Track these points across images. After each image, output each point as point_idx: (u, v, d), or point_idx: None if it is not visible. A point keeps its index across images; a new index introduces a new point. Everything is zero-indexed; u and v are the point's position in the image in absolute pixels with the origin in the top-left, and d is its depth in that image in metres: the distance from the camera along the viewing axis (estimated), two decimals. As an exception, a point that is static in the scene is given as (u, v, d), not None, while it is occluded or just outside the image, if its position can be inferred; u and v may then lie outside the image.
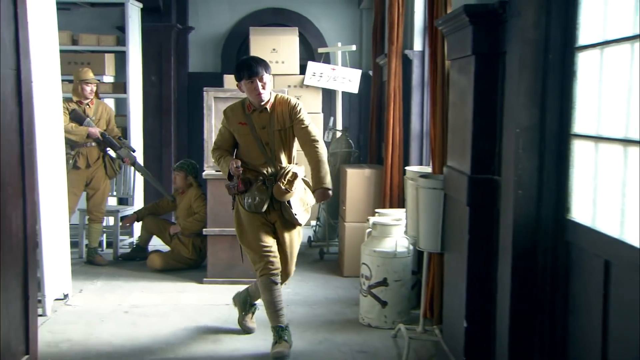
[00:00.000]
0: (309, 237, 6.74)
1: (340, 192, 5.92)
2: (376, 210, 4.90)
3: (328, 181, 3.74)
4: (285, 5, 8.20)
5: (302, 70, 7.43)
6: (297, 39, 7.55)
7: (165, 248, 6.12)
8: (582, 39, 2.57)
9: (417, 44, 5.32)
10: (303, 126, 3.79)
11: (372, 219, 4.55)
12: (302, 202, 3.86)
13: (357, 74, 7.11)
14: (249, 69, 3.67)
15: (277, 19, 8.12)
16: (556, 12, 2.67)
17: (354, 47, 7.13)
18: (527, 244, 2.79)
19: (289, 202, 3.77)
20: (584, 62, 2.57)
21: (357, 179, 5.61)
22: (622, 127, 2.27)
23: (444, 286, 3.71)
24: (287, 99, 3.85)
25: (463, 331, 3.18)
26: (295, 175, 3.75)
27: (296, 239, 4.01)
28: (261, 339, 4.09)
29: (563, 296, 2.68)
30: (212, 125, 5.29)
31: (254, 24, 7.85)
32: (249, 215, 3.82)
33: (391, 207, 5.26)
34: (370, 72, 7.18)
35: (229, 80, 7.33)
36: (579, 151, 2.61)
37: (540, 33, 2.71)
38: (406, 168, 4.92)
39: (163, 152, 7.82)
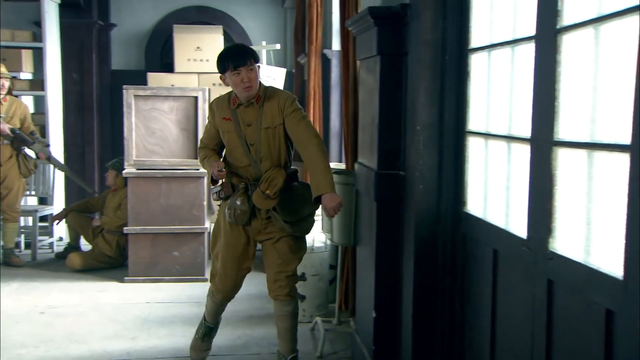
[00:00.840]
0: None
1: (263, 189, 5.97)
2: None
3: (332, 185, 3.10)
4: (209, 3, 8.18)
5: (227, 68, 7.44)
6: (222, 37, 7.54)
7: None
8: (474, 41, 2.73)
9: (336, 44, 5.44)
10: (296, 122, 3.23)
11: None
12: (296, 207, 3.33)
13: (281, 72, 7.16)
14: (234, 58, 3.18)
15: (202, 17, 8.10)
16: (451, 16, 2.82)
17: (278, 46, 7.19)
18: (428, 237, 2.94)
19: (275, 208, 3.27)
20: (475, 63, 2.73)
21: (279, 176, 5.66)
22: (506, 124, 2.43)
23: (356, 279, 3.84)
24: (278, 91, 3.37)
25: (372, 321, 3.30)
26: (279, 179, 3.25)
27: (293, 248, 3.39)
28: (180, 336, 4.11)
29: (460, 285, 2.84)
30: (132, 124, 5.26)
31: (178, 21, 7.79)
32: (228, 227, 3.39)
33: (312, 203, 5.35)
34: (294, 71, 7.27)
35: (153, 78, 7.28)
36: (473, 147, 2.77)
37: (437, 35, 2.85)
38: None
39: (86, 151, 7.69)
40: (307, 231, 3.44)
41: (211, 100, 3.46)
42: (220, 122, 3.36)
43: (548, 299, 2.07)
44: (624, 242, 1.32)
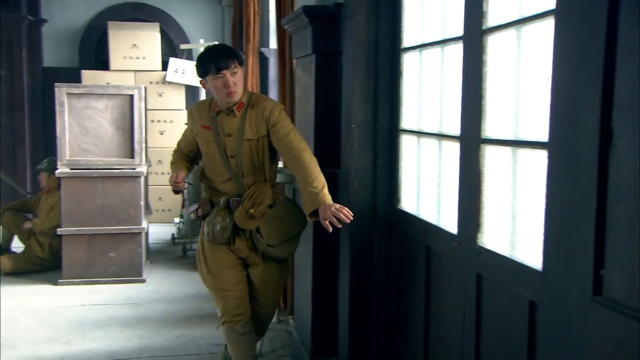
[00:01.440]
0: (172, 235, 6.69)
1: (201, 188, 5.92)
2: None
3: (326, 195, 2.70)
4: (145, 0, 8.04)
5: (164, 66, 7.34)
6: (159, 34, 7.44)
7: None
8: (406, 41, 2.77)
9: (273, 42, 5.44)
10: (284, 134, 2.88)
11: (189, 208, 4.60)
12: (281, 228, 3.02)
13: (220, 70, 7.13)
14: (217, 60, 2.87)
15: (138, 14, 7.96)
16: (384, 16, 2.86)
17: (216, 44, 7.13)
18: (364, 234, 2.97)
19: (258, 229, 2.98)
20: (408, 62, 2.78)
21: (217, 175, 5.62)
22: (437, 122, 2.49)
23: (294, 277, 3.85)
24: (263, 99, 3.02)
25: (310, 318, 3.32)
26: (266, 196, 2.96)
27: (274, 275, 3.12)
28: (117, 338, 4.04)
29: (395, 281, 2.88)
30: (66, 122, 5.12)
31: (113, 18, 7.64)
32: (211, 245, 3.05)
33: (251, 202, 5.34)
34: (233, 69, 7.24)
35: (88, 75, 7.11)
36: (406, 145, 2.82)
37: (371, 34, 2.89)
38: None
39: (17, 150, 7.46)
40: (291, 254, 3.14)
41: (191, 105, 3.15)
42: (199, 130, 3.03)
43: (477, 292, 2.13)
44: (543, 235, 1.38)
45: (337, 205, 2.61)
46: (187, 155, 3.20)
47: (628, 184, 1.05)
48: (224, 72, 2.87)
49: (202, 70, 2.92)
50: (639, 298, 1.01)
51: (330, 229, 2.62)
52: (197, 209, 3.08)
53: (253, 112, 2.96)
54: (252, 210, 2.91)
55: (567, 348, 1.27)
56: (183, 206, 3.12)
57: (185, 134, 3.21)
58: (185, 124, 3.23)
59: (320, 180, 2.73)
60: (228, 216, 2.96)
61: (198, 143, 3.08)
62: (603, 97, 1.10)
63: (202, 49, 7.10)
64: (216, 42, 3.33)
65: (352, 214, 2.60)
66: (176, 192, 3.07)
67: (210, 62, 2.88)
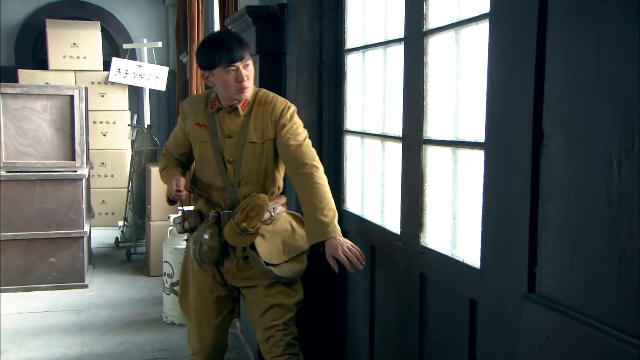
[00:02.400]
0: (116, 238, 6.55)
1: (145, 190, 5.83)
2: (179, 207, 4.89)
3: (337, 227, 2.39)
4: (85, -2, 7.86)
5: (107, 66, 7.18)
6: (100, 33, 7.28)
7: None
8: (349, 42, 2.79)
9: (218, 43, 5.39)
10: (294, 143, 2.48)
11: (172, 217, 4.54)
12: (283, 245, 2.57)
13: (164, 71, 7.02)
14: (229, 50, 2.44)
15: (77, 12, 7.75)
16: (327, 17, 2.87)
17: (159, 44, 7.03)
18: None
19: (253, 246, 2.50)
20: (351, 63, 2.80)
21: (162, 177, 5.54)
22: (380, 123, 2.51)
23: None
24: (273, 96, 2.59)
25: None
26: (262, 209, 2.51)
27: (282, 293, 2.56)
28: (57, 346, 3.92)
29: (341, 281, 2.89)
30: (1, 124, 4.94)
31: (51, 16, 7.42)
32: (196, 267, 2.63)
33: (196, 204, 5.28)
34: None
35: (25, 75, 6.90)
36: (350, 146, 2.84)
37: (314, 35, 2.90)
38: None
39: (-50, 153, 7.15)
40: (298, 275, 2.59)
41: (183, 100, 2.76)
42: (192, 129, 2.61)
43: (420, 292, 2.16)
44: (480, 234, 1.40)
45: (349, 244, 2.36)
46: (178, 159, 2.73)
47: (557, 182, 1.07)
48: (237, 64, 2.45)
49: (208, 62, 2.47)
50: (567, 294, 1.04)
51: (337, 269, 2.35)
52: (182, 222, 2.63)
53: (260, 111, 2.55)
54: (244, 225, 2.45)
55: (503, 343, 1.30)
56: (184, 219, 2.63)
57: (174, 135, 2.74)
58: (176, 122, 2.78)
59: (331, 208, 2.39)
60: (217, 234, 2.52)
61: (190, 143, 2.66)
62: (535, 99, 1.13)
63: (145, 49, 7.03)
64: (220, 31, 2.87)
65: (364, 258, 2.37)
66: (173, 202, 2.65)
67: (222, 53, 2.44)
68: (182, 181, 2.54)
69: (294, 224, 2.62)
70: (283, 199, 2.64)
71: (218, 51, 2.44)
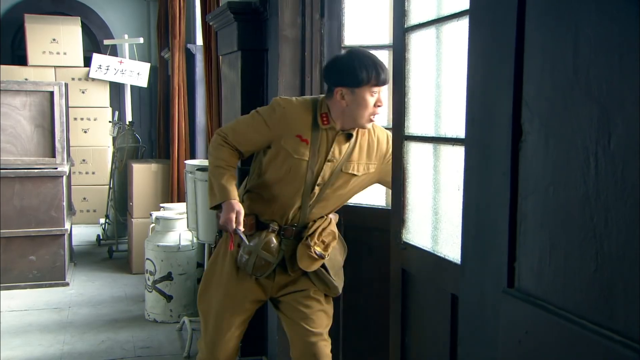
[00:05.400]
0: (98, 236, 6.50)
1: (127, 188, 5.79)
2: (161, 205, 4.87)
3: None
4: (65, -7, 7.77)
5: (87, 62, 7.12)
6: (80, 29, 7.21)
7: None
8: (347, 40, 2.80)
9: (200, 39, 5.36)
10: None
11: (154, 214, 4.52)
12: (334, 263, 2.49)
13: (145, 67, 6.97)
14: (381, 72, 2.30)
15: (57, 7, 7.66)
16: (310, 13, 2.86)
17: (141, 40, 6.98)
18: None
19: (324, 265, 2.42)
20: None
21: (143, 174, 5.51)
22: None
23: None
24: (375, 126, 2.45)
25: (239, 317, 3.29)
26: (334, 236, 2.44)
27: (323, 309, 2.48)
28: (37, 345, 3.89)
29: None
30: (-21, 120, 4.89)
31: (30, 11, 7.33)
32: (232, 274, 2.45)
33: (179, 201, 5.25)
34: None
35: (4, 71, 6.81)
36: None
37: (296, 32, 2.89)
38: (186, 162, 4.96)
39: None
40: (341, 287, 2.54)
41: (281, 98, 2.44)
42: (291, 139, 2.35)
43: (402, 287, 2.16)
44: (461, 229, 1.41)
45: None
46: (237, 158, 2.43)
47: (535, 178, 1.08)
48: (382, 87, 2.32)
49: (355, 78, 2.28)
50: (545, 289, 1.05)
51: None
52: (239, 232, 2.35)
53: (365, 141, 2.41)
54: (318, 249, 2.37)
55: (483, 338, 1.31)
56: (238, 246, 2.38)
57: (249, 129, 2.38)
58: (256, 113, 2.40)
59: None
60: (278, 249, 2.38)
61: (272, 154, 2.36)
62: (514, 95, 1.13)
63: (126, 45, 6.97)
64: (356, 48, 2.50)
65: None
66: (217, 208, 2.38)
67: (373, 72, 2.29)
68: (242, 215, 2.29)
69: (339, 242, 2.54)
70: (337, 217, 2.55)
71: (370, 69, 2.29)
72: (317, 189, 2.37)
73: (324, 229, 2.39)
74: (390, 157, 2.25)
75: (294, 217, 2.40)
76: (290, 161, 2.34)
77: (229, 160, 2.36)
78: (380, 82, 2.30)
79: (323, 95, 2.45)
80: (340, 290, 2.48)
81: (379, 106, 2.32)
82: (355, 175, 2.40)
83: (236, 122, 2.46)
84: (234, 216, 2.26)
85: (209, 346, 2.50)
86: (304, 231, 2.39)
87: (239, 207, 2.28)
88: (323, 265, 2.40)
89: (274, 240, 2.36)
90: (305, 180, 2.35)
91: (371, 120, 2.35)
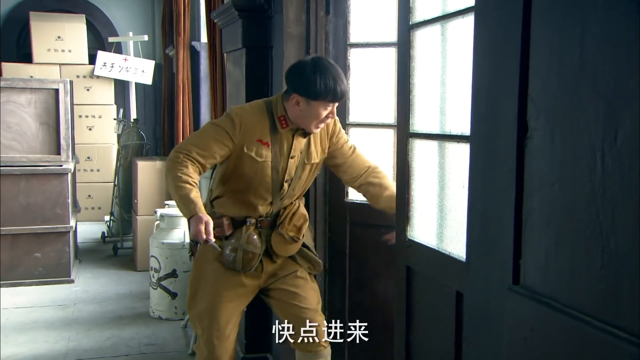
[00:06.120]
0: (103, 233, 6.51)
1: (132, 185, 5.80)
2: (165, 202, 4.88)
3: None
4: (70, -9, 7.78)
5: (92, 60, 7.13)
6: (85, 26, 7.22)
7: None
8: (353, 37, 2.80)
9: (204, 36, 5.35)
10: (349, 148, 2.58)
11: (159, 211, 4.53)
12: (310, 241, 2.68)
13: (150, 64, 6.98)
14: (340, 91, 2.36)
15: (62, 5, 7.68)
16: (314, 11, 2.86)
17: (145, 37, 6.98)
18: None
19: (305, 244, 2.59)
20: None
21: (148, 171, 5.52)
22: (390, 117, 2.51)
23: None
24: None
25: (243, 315, 3.29)
26: (305, 217, 2.59)
27: (312, 287, 2.61)
28: (43, 342, 3.90)
29: (329, 275, 2.90)
30: (-15, 118, 4.90)
31: (35, 9, 7.34)
32: (218, 272, 2.50)
33: (183, 198, 5.26)
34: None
35: (9, 68, 6.84)
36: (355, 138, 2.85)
37: (301, 29, 2.89)
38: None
39: None
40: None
41: (235, 108, 2.51)
42: (251, 145, 2.43)
43: (407, 284, 2.16)
44: (466, 226, 1.41)
45: None
46: (198, 174, 2.43)
47: (541, 175, 1.08)
48: (336, 103, 2.41)
49: (313, 91, 2.34)
50: (551, 286, 1.04)
51: None
52: (222, 227, 2.47)
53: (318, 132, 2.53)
54: (292, 234, 2.51)
55: (489, 335, 1.31)
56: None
57: (210, 142, 2.41)
58: (215, 125, 2.46)
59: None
60: (260, 241, 2.49)
61: (235, 160, 2.45)
62: (520, 92, 1.13)
63: (131, 43, 6.98)
64: (318, 56, 2.53)
65: None
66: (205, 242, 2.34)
67: (331, 88, 2.34)
68: (211, 225, 2.31)
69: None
70: (303, 200, 2.68)
71: (331, 85, 2.33)
72: (285, 185, 2.49)
73: (294, 214, 2.53)
74: (339, 137, 2.55)
75: (267, 211, 2.52)
76: (256, 165, 2.44)
77: (194, 176, 2.38)
78: (337, 99, 2.37)
79: (273, 97, 2.53)
80: (320, 266, 2.62)
81: (329, 117, 2.41)
82: (316, 162, 2.54)
83: (195, 137, 2.49)
84: (203, 227, 2.28)
85: (208, 346, 2.51)
86: (277, 219, 2.53)
87: (207, 218, 2.30)
88: (304, 245, 2.55)
89: (254, 233, 2.48)
90: (272, 179, 2.46)
91: (318, 128, 2.44)
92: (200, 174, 2.43)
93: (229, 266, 2.46)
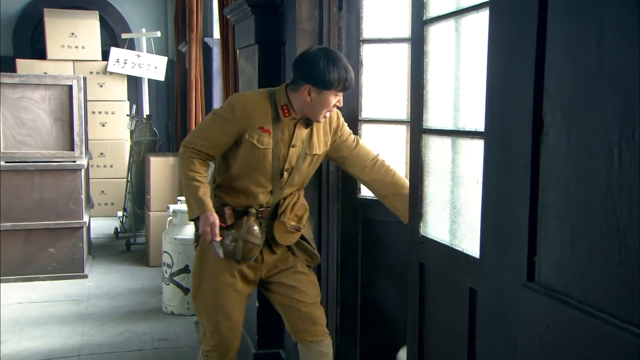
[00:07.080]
0: (116, 228, 6.55)
1: (145, 181, 5.83)
2: (178, 197, 4.90)
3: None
4: (83, -13, 7.82)
5: (105, 56, 7.17)
6: (98, 23, 7.26)
7: None
8: (365, 33, 2.79)
9: (217, 32, 5.36)
10: (353, 141, 2.62)
11: (172, 207, 4.54)
12: (309, 234, 2.71)
13: (163, 61, 7.00)
14: (346, 81, 2.41)
15: (75, 1, 7.72)
16: (327, 6, 2.85)
17: (158, 34, 7.00)
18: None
19: (303, 236, 2.64)
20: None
21: (161, 167, 5.54)
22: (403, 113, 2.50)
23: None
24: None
25: (255, 311, 3.30)
26: (305, 208, 2.64)
27: (311, 281, 2.67)
28: (56, 336, 3.93)
29: (342, 272, 2.89)
30: (0, 114, 4.94)
31: (49, 5, 7.38)
32: (219, 263, 2.53)
33: (196, 194, 5.28)
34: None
35: (23, 65, 6.89)
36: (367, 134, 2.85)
37: (314, 25, 2.88)
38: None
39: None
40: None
41: (236, 96, 2.56)
42: (252, 133, 2.45)
43: (420, 281, 2.16)
44: (480, 223, 1.40)
45: None
46: (207, 166, 2.52)
47: (557, 171, 1.07)
48: (344, 93, 2.47)
49: (326, 82, 2.38)
50: (567, 283, 1.04)
51: None
52: (224, 216, 2.50)
53: (321, 124, 2.56)
54: (293, 223, 2.55)
55: (503, 332, 1.30)
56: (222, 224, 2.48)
57: (213, 133, 2.48)
58: (216, 115, 2.50)
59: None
60: (260, 231, 2.53)
61: (238, 148, 2.48)
62: (535, 87, 1.12)
63: (144, 39, 7.00)
64: (324, 46, 2.62)
65: None
66: (196, 219, 2.46)
67: (343, 78, 2.40)
68: (217, 227, 2.41)
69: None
70: (303, 190, 2.70)
71: (341, 74, 2.39)
72: (286, 174, 2.52)
73: (295, 204, 2.57)
74: (343, 130, 2.60)
75: (267, 200, 2.55)
76: (257, 152, 2.47)
77: (202, 171, 2.47)
78: (347, 88, 2.45)
79: (277, 87, 2.56)
80: (319, 259, 2.67)
81: (337, 106, 2.48)
82: (317, 154, 2.57)
83: (198, 130, 2.56)
84: (209, 229, 2.40)
85: (216, 335, 2.58)
86: (278, 209, 2.56)
87: (214, 219, 2.41)
88: (303, 237, 2.59)
89: (255, 224, 2.51)
90: (272, 167, 2.49)
91: (325, 117, 2.50)
92: (208, 165, 2.52)
93: (229, 256, 2.49)
